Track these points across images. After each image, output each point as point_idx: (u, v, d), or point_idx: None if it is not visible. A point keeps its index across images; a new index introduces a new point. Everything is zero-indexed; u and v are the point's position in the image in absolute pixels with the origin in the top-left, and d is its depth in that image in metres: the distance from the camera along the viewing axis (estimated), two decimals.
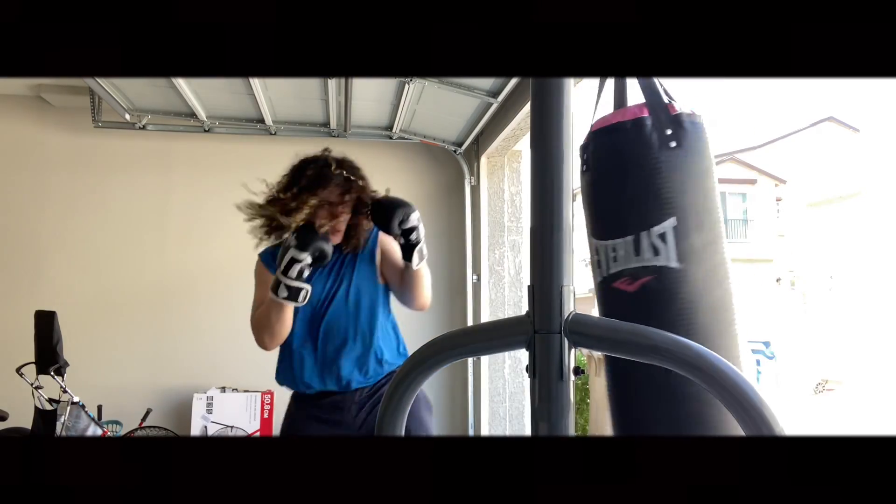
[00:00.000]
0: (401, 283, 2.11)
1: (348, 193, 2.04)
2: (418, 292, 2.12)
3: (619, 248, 1.20)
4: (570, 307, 0.89)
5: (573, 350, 0.89)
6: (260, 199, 2.04)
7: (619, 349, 0.92)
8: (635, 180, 1.19)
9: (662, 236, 1.17)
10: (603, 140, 1.24)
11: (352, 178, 2.08)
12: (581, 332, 0.88)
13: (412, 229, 1.97)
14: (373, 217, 2.01)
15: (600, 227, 1.25)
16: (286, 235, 1.92)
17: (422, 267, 2.07)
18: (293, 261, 1.86)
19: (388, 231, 1.96)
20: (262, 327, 1.99)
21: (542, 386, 0.87)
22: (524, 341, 0.90)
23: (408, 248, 2.00)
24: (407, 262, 2.03)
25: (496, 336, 1.01)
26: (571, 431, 0.87)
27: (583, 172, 1.27)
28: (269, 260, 2.06)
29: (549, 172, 0.89)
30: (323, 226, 1.95)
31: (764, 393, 0.76)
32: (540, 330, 0.88)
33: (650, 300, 1.18)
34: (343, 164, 2.13)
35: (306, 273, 1.89)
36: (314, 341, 2.05)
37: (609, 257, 1.21)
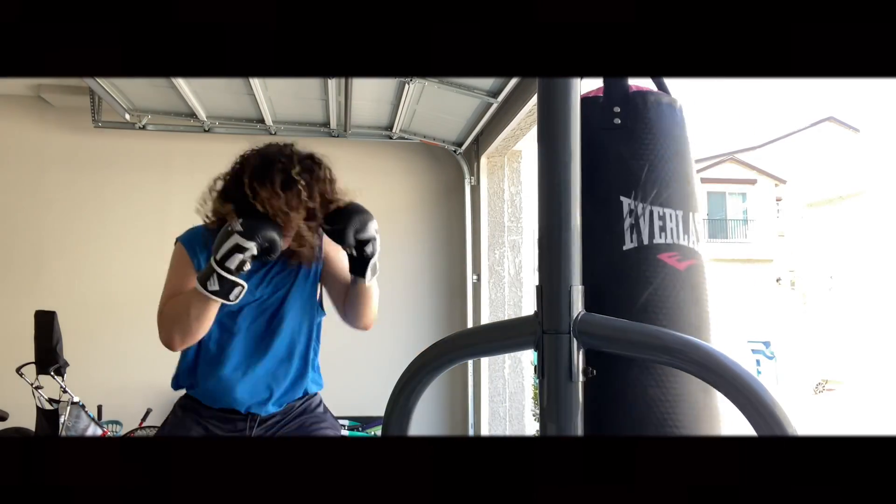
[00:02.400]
0: (345, 298, 1.86)
1: (312, 199, 1.69)
2: (365, 310, 1.85)
3: (669, 220, 1.10)
4: (578, 307, 0.88)
5: (582, 350, 0.88)
6: (208, 195, 1.78)
7: (629, 349, 0.91)
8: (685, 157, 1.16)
9: (698, 223, 1.14)
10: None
11: (320, 182, 1.72)
12: (590, 332, 0.87)
13: (368, 241, 1.71)
14: (325, 221, 1.71)
15: (643, 189, 1.11)
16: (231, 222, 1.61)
17: (373, 283, 1.82)
18: (236, 248, 1.56)
19: (341, 240, 1.70)
20: (174, 322, 1.69)
21: (551, 386, 0.87)
22: (532, 341, 0.89)
23: (360, 262, 1.74)
24: (357, 277, 1.77)
25: (504, 336, 1.00)
26: (580, 432, 0.86)
27: (613, 127, 1.11)
28: (192, 245, 1.78)
29: (556, 172, 0.88)
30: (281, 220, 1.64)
31: (786, 394, 0.75)
32: (548, 330, 0.88)
33: (695, 284, 1.11)
34: (311, 163, 1.76)
35: (247, 267, 1.60)
36: (225, 353, 1.79)
37: (655, 225, 1.09)
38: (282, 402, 1.82)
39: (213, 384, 1.79)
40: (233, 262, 1.57)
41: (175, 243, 1.85)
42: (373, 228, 1.72)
